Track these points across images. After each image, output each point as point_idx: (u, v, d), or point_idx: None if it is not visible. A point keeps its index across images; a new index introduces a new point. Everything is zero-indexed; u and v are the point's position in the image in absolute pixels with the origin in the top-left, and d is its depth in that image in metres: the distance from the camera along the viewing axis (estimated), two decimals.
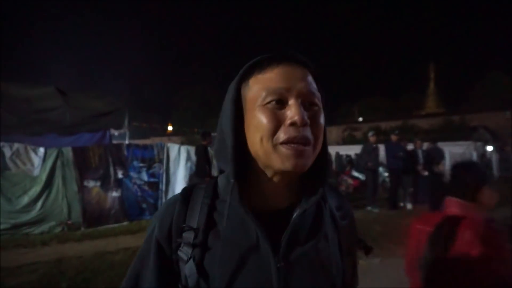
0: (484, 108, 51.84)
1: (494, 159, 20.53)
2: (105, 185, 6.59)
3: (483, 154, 24.25)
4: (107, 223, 6.46)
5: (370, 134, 8.67)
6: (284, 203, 0.69)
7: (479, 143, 26.50)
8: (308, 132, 0.62)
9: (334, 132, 59.01)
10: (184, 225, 0.66)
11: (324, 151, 0.69)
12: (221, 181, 0.73)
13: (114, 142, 7.70)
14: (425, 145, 9.13)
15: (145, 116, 47.84)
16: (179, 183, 7.41)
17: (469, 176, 1.55)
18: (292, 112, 0.61)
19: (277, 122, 0.61)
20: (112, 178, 6.67)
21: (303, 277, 0.64)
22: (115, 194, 6.68)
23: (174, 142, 17.18)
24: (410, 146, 9.18)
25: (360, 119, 58.89)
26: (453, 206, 1.55)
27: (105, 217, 6.51)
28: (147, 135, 38.29)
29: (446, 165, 8.46)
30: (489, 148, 29.00)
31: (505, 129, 45.62)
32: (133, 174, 6.96)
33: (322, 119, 0.66)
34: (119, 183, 6.75)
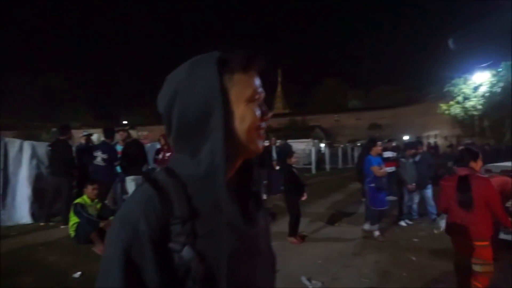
0: (321, 111, 60.91)
1: (327, 153, 24.35)
2: None
3: (319, 149, 28.56)
4: None
5: None
6: (234, 182, 0.79)
7: (316, 140, 31.08)
8: None
9: None
10: (171, 216, 0.67)
11: None
12: (185, 168, 0.74)
13: None
14: (278, 142, 10.28)
15: None
16: (21, 185, 6.40)
17: (469, 155, 3.21)
18: (265, 109, 0.78)
19: (257, 116, 0.76)
20: None
21: (261, 239, 0.82)
22: None
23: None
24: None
25: None
26: (462, 171, 3.17)
27: None
28: None
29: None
30: (322, 144, 34.26)
31: (335, 129, 54.94)
32: None
33: None
34: None
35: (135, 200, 0.69)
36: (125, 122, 61.26)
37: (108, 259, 0.65)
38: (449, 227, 3.31)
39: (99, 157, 5.93)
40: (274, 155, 10.44)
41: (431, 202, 6.80)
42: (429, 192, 6.89)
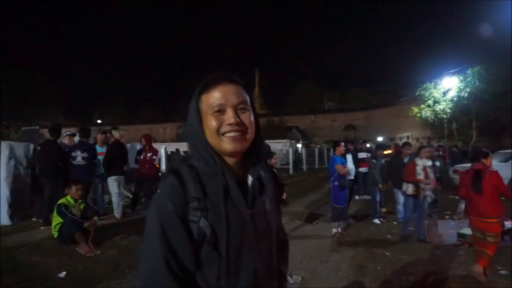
0: (297, 112, 61.59)
1: (304, 154, 24.77)
2: None
3: (296, 150, 28.98)
4: None
5: None
6: (240, 175, 1.02)
7: (293, 141, 31.47)
8: (241, 126, 0.97)
9: (169, 129, 59.12)
10: (189, 197, 0.92)
11: (258, 138, 1.05)
12: (200, 166, 0.98)
13: None
14: None
15: None
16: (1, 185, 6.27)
17: (481, 154, 4.26)
18: (228, 116, 0.97)
19: (219, 123, 0.96)
20: None
21: (262, 219, 1.02)
22: None
23: None
24: None
25: None
26: (477, 166, 4.21)
27: None
28: None
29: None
30: (299, 145, 34.69)
31: (311, 129, 55.78)
32: None
33: (251, 116, 1.01)
34: None
35: (164, 187, 0.95)
36: (99, 121, 59.90)
37: (149, 229, 0.91)
38: (467, 209, 4.40)
39: (79, 156, 5.90)
40: None
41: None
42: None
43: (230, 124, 0.95)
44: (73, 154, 5.89)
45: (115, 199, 6.28)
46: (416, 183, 5.79)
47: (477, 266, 4.16)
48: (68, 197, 4.90)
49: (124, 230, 5.73)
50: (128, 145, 9.10)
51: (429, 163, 5.81)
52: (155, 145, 7.64)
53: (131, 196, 8.56)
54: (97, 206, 6.72)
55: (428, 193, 5.78)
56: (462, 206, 5.03)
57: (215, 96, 0.97)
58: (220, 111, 0.96)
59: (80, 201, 4.99)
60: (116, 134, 6.43)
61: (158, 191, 0.96)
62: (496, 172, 4.16)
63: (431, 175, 5.80)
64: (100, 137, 7.01)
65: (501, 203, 4.14)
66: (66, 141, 6.67)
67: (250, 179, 1.02)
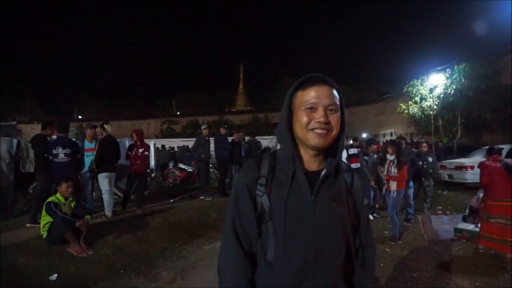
0: (282, 108, 61.31)
1: None
2: None
3: None
4: None
5: (203, 127, 9.10)
6: (315, 166, 1.16)
7: None
8: (328, 125, 1.09)
9: (153, 124, 58.11)
10: (259, 175, 1.14)
11: (339, 137, 1.15)
12: (280, 153, 1.18)
13: None
14: (247, 138, 10.32)
15: None
16: None
17: (491, 151, 5.12)
18: (318, 114, 1.09)
19: (309, 119, 1.09)
20: None
21: (324, 209, 1.10)
22: None
23: None
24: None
25: (178, 113, 59.72)
26: (490, 159, 5.00)
27: None
28: None
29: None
30: None
31: None
32: None
33: (337, 115, 1.11)
34: None
35: (245, 166, 1.20)
36: (80, 117, 58.38)
37: (231, 197, 1.19)
38: (489, 195, 4.87)
39: (61, 153, 5.55)
40: (243, 151, 10.42)
41: (410, 201, 6.91)
42: (411, 190, 6.94)
43: (318, 122, 1.07)
44: (54, 151, 5.52)
45: (106, 196, 6.00)
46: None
47: (508, 255, 4.58)
48: (58, 195, 4.63)
49: (116, 228, 5.49)
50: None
51: (391, 157, 5.78)
52: (146, 141, 7.39)
53: (119, 193, 8.29)
54: (87, 204, 6.46)
55: (393, 187, 5.67)
56: (481, 195, 5.33)
57: (310, 95, 1.10)
58: (312, 108, 1.09)
59: (70, 198, 4.73)
60: (108, 128, 6.12)
61: (241, 168, 1.23)
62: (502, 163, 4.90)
63: (392, 170, 5.69)
64: (89, 132, 6.70)
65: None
66: (55, 136, 6.23)
67: (323, 171, 1.13)
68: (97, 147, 6.02)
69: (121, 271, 4.26)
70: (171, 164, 13.68)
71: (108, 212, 6.02)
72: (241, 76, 71.37)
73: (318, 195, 1.09)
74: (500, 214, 4.69)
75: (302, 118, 1.09)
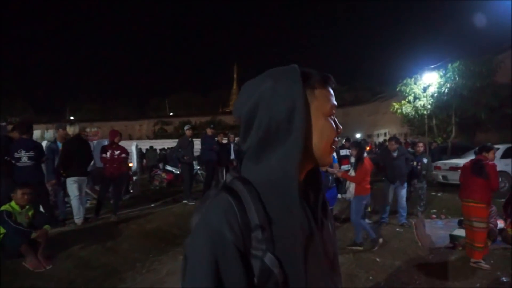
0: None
1: None
2: None
3: None
4: None
5: (186, 128, 8.71)
6: (301, 188, 0.79)
7: None
8: None
9: (145, 125, 57.56)
10: (251, 224, 0.70)
11: None
12: (257, 175, 0.76)
13: None
14: (236, 140, 9.93)
15: None
16: None
17: (484, 148, 4.66)
18: (337, 125, 0.83)
19: (335, 132, 0.82)
20: None
21: (329, 243, 0.84)
22: None
23: None
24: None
25: (171, 113, 59.34)
26: (480, 157, 4.60)
27: None
28: None
29: None
30: None
31: None
32: None
33: None
34: None
35: (216, 208, 0.72)
36: (72, 117, 57.76)
37: (195, 264, 0.69)
38: (459, 194, 4.80)
39: (24, 156, 5.08)
40: (232, 153, 10.08)
41: (403, 202, 6.56)
42: (404, 191, 6.61)
43: (339, 133, 0.85)
44: (17, 154, 5.03)
45: (74, 203, 5.56)
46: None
47: (473, 260, 4.40)
48: (13, 203, 4.18)
49: (84, 238, 5.06)
50: (95, 142, 8.40)
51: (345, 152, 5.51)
52: (129, 142, 6.97)
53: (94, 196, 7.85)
54: (58, 210, 6.02)
55: (351, 189, 5.33)
56: None
57: (331, 98, 0.83)
58: (333, 116, 0.84)
59: (27, 207, 4.28)
60: (70, 129, 5.63)
61: (208, 212, 0.74)
62: (495, 164, 4.53)
63: (351, 172, 5.34)
64: (60, 132, 6.26)
65: (491, 194, 4.44)
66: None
67: (313, 194, 0.86)
68: (61, 149, 5.56)
69: None
70: (161, 166, 13.35)
71: (77, 219, 5.58)
72: (235, 76, 71.15)
73: (323, 231, 0.84)
74: (467, 216, 4.62)
75: (329, 128, 0.81)
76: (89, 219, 5.94)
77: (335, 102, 0.82)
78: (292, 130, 0.75)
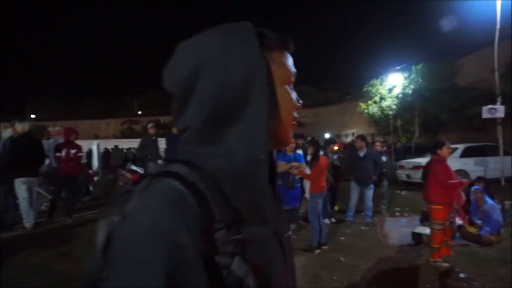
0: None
1: None
2: None
3: None
4: None
5: (149, 126, 8.42)
6: None
7: None
8: None
9: (112, 124, 55.86)
10: (213, 221, 0.52)
11: None
12: (212, 161, 0.57)
13: None
14: None
15: None
16: None
17: (436, 144, 4.58)
18: (297, 98, 0.68)
19: (295, 101, 0.67)
20: None
21: (288, 248, 0.70)
22: None
23: None
24: None
25: (139, 112, 58.03)
26: (433, 156, 4.58)
27: None
28: None
29: None
30: None
31: None
32: None
33: None
34: None
35: (160, 202, 0.50)
36: (33, 116, 55.08)
37: (138, 279, 0.45)
38: (423, 196, 4.83)
39: None
40: None
41: (369, 203, 6.57)
42: (370, 192, 6.62)
43: (299, 108, 0.68)
44: None
45: (24, 205, 5.16)
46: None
47: (431, 259, 4.47)
48: None
49: (34, 243, 4.73)
50: (51, 141, 7.94)
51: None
52: (91, 141, 6.60)
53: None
54: (8, 214, 5.60)
55: (307, 189, 5.33)
56: None
57: (291, 64, 0.67)
58: (292, 85, 0.67)
59: None
60: (19, 126, 5.23)
61: (148, 211, 0.49)
62: (442, 159, 4.48)
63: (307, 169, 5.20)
64: (12, 130, 5.83)
65: (449, 192, 4.45)
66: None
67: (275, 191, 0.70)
68: (9, 148, 5.16)
69: None
70: (127, 166, 12.93)
71: (27, 223, 5.20)
72: None
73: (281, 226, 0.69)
74: (429, 217, 4.66)
75: (289, 100, 0.65)
76: (40, 223, 5.56)
77: (294, 69, 0.67)
78: (251, 99, 0.57)
